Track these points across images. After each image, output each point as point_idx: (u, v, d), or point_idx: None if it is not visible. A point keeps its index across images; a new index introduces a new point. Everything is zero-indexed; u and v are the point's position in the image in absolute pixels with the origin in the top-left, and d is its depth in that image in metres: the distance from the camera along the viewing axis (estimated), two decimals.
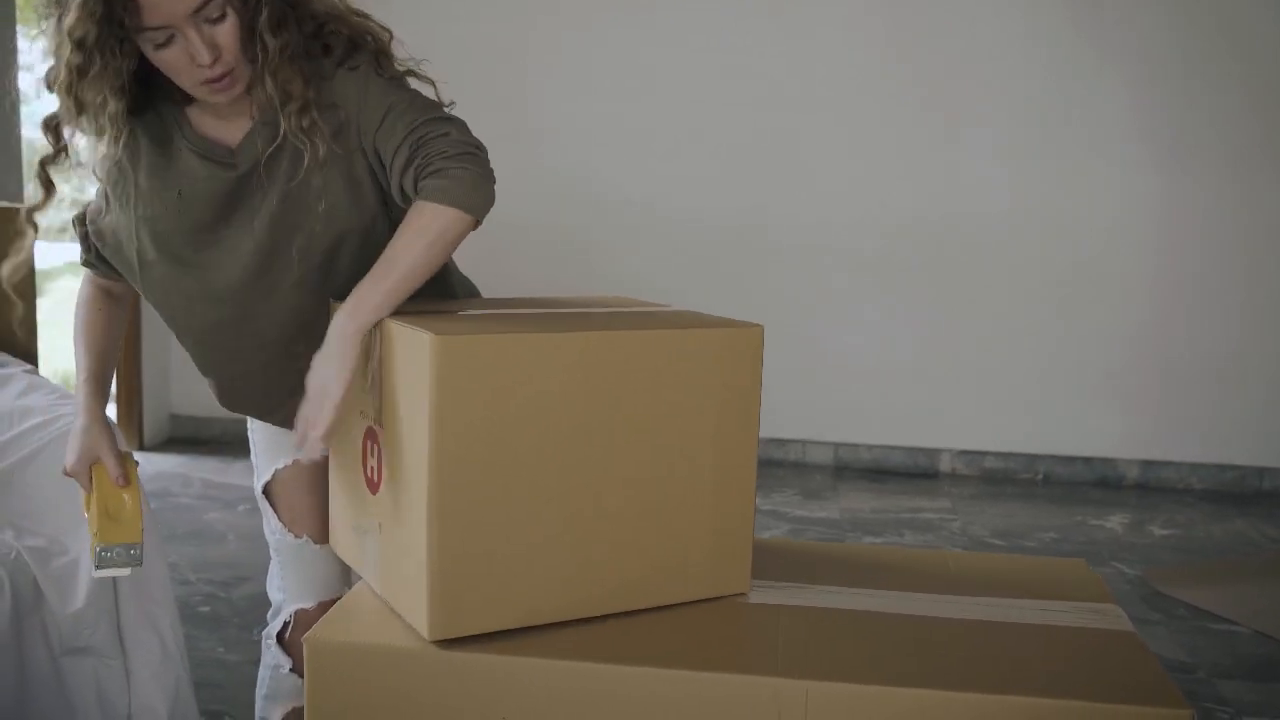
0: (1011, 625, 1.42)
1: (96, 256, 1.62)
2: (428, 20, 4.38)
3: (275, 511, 1.71)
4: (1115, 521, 3.97)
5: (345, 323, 1.35)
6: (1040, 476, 4.51)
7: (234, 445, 4.59)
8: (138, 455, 4.33)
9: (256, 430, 1.73)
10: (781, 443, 4.62)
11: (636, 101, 4.52)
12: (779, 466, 4.57)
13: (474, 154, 1.40)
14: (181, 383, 4.69)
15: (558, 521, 1.32)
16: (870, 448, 4.60)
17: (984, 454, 4.54)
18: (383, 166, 1.45)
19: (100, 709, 1.92)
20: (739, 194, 4.53)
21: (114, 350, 1.66)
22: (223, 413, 5.06)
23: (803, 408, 4.60)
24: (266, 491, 1.72)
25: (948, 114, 4.41)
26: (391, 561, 1.37)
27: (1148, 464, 4.45)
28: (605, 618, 1.37)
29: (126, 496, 1.52)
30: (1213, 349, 4.38)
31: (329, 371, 1.35)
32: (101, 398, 1.60)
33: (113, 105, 1.40)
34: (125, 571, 1.51)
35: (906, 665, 1.30)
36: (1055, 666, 1.32)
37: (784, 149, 4.48)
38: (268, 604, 2.94)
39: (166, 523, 3.56)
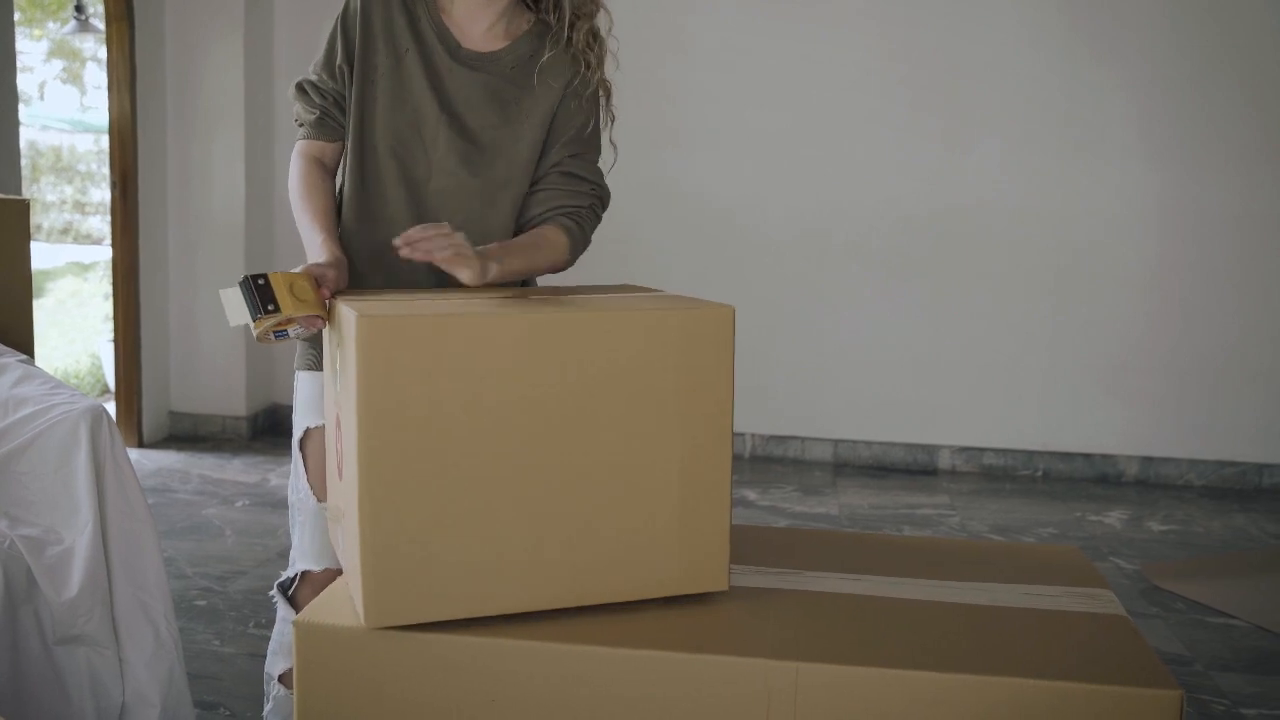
0: (1003, 609, 1.42)
1: (322, 112, 1.71)
2: None
3: (306, 469, 1.71)
4: (1114, 517, 3.97)
5: (490, 265, 1.53)
6: (1040, 473, 4.51)
7: (232, 442, 4.60)
8: (135, 453, 4.35)
9: (301, 384, 1.75)
10: (781, 439, 4.62)
11: (640, 96, 4.52)
12: (778, 463, 4.56)
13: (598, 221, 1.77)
14: (180, 380, 4.69)
15: (505, 511, 1.29)
16: (870, 444, 4.59)
17: (983, 450, 4.53)
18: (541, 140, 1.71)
19: (94, 698, 1.91)
20: (739, 188, 4.53)
21: (333, 211, 1.70)
22: (220, 410, 5.03)
23: (802, 405, 4.59)
24: (301, 447, 1.72)
25: (947, 109, 4.41)
26: (348, 547, 1.36)
27: (1147, 460, 4.44)
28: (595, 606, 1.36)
29: (309, 286, 1.44)
30: (1213, 345, 4.37)
31: (475, 265, 1.48)
32: (337, 243, 1.62)
33: None
34: (242, 301, 1.39)
35: (897, 648, 1.29)
36: (1046, 649, 1.32)
37: (782, 143, 4.47)
38: (264, 599, 2.95)
39: (165, 518, 3.56)
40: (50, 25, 10.84)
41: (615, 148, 1.80)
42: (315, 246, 1.60)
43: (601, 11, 1.75)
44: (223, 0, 4.46)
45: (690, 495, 1.36)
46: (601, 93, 1.76)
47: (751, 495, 4.09)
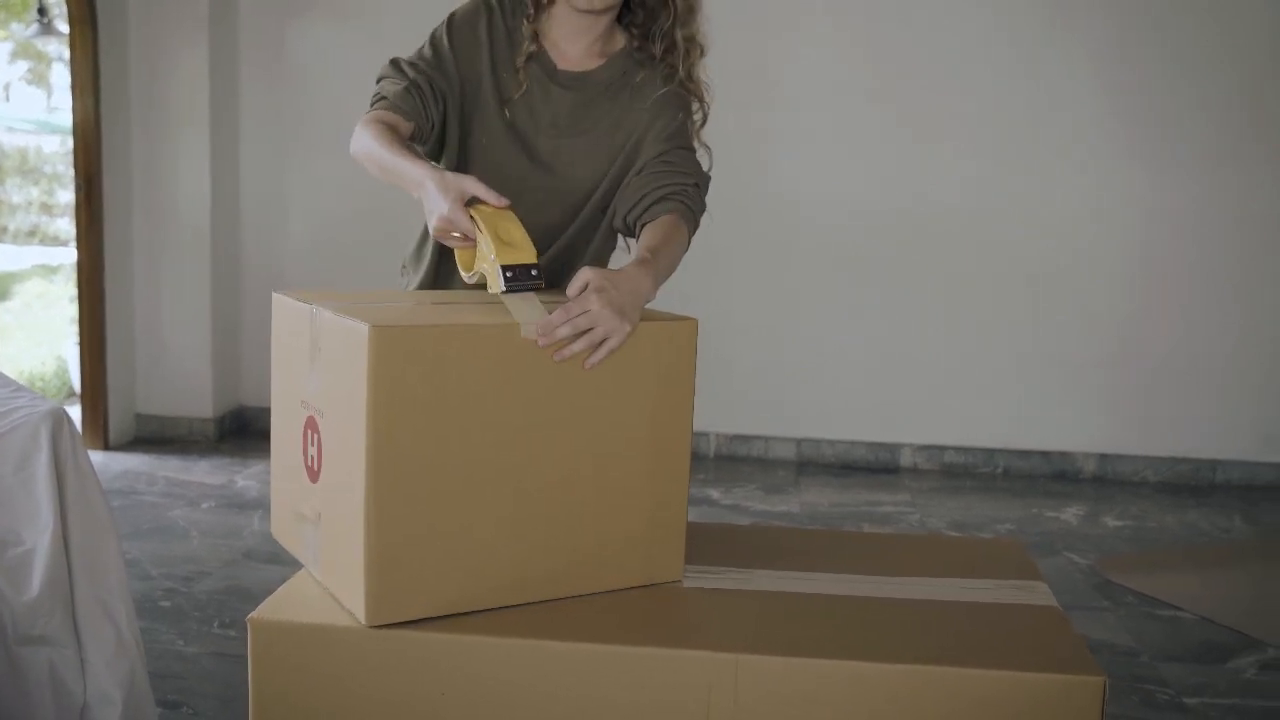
0: (940, 603, 1.47)
1: (428, 85, 1.70)
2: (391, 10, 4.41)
3: None
4: (1070, 513, 4.04)
5: (650, 289, 1.47)
6: (999, 470, 4.58)
7: (199, 444, 4.60)
8: (102, 455, 4.34)
9: None
10: (745, 439, 4.67)
11: None
12: (742, 462, 4.61)
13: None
14: (147, 382, 4.69)
15: (494, 510, 1.35)
16: (833, 443, 4.65)
17: (944, 449, 4.60)
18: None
19: (55, 697, 1.93)
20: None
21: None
22: (187, 412, 4.98)
23: (766, 404, 4.65)
24: None
25: (917, 108, 4.46)
26: (331, 549, 1.40)
27: (1104, 457, 4.52)
28: (541, 601, 1.41)
29: (512, 225, 1.44)
30: (1168, 344, 4.45)
31: (630, 313, 1.39)
32: (426, 159, 1.61)
33: None
34: (532, 294, 1.41)
35: (834, 640, 1.34)
36: (976, 639, 1.37)
37: (749, 144, 4.50)
38: (228, 599, 2.97)
39: (130, 519, 3.57)
40: (15, 27, 10.75)
41: (710, 155, 1.83)
42: (411, 163, 1.55)
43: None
44: (188, 2, 4.46)
45: (656, 493, 1.46)
46: (702, 119, 1.81)
47: (715, 494, 4.14)
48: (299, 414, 1.47)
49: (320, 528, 1.43)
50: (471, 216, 1.43)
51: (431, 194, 1.47)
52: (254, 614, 1.35)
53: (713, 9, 1.84)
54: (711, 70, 1.89)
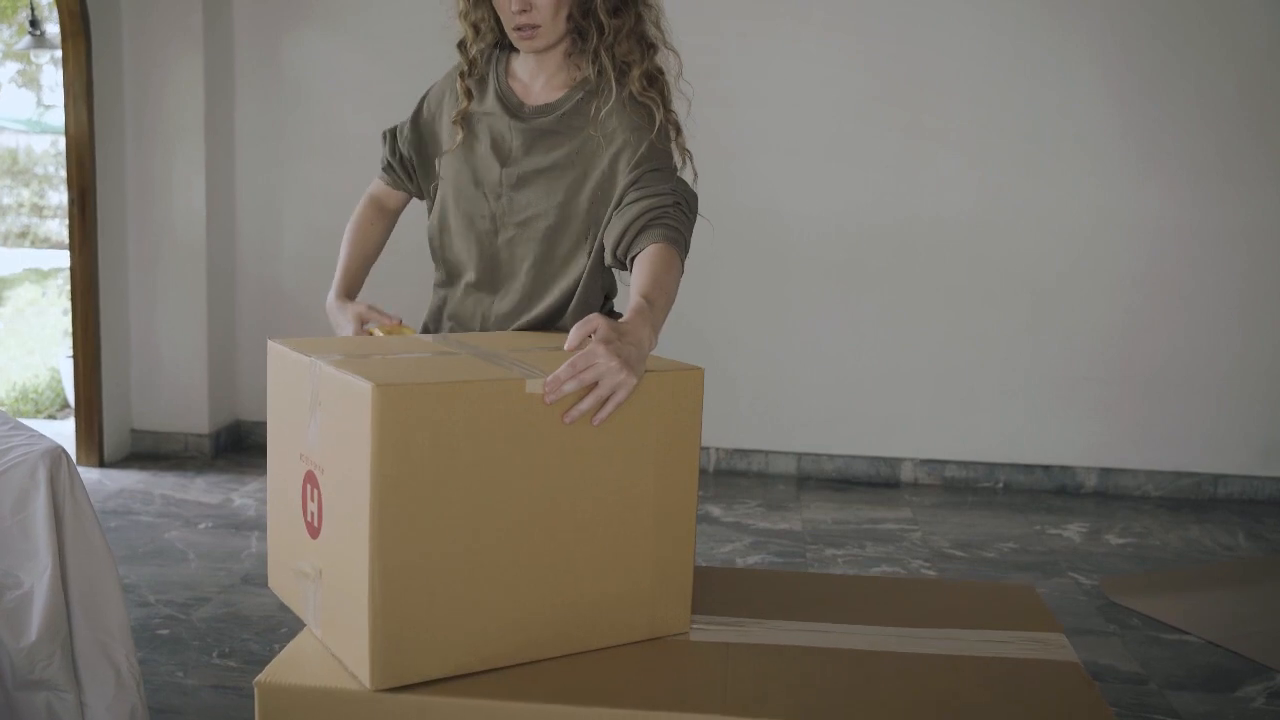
0: (956, 658, 1.45)
1: (399, 162, 1.92)
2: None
3: None
4: (1073, 530, 4.02)
5: (651, 339, 1.46)
6: (1000, 485, 4.56)
7: (195, 460, 4.57)
8: (97, 472, 4.30)
9: None
10: (745, 454, 4.64)
11: None
12: (742, 477, 4.59)
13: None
14: (142, 397, 4.65)
15: (499, 568, 1.32)
16: (833, 458, 4.63)
17: (945, 463, 4.58)
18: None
19: None
20: (701, 203, 4.53)
21: (373, 254, 1.98)
22: (183, 427, 4.94)
23: (766, 418, 4.62)
24: None
25: (909, 120, 4.43)
26: (332, 608, 1.37)
27: (1105, 472, 4.51)
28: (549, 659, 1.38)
29: (404, 331, 1.76)
30: (1168, 356, 4.44)
31: (636, 365, 1.36)
32: (349, 287, 1.91)
33: (486, 36, 1.81)
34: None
35: (850, 701, 1.32)
36: (996, 699, 1.35)
37: (741, 154, 4.48)
38: (228, 627, 2.94)
39: (126, 541, 3.54)
40: (6, 33, 10.69)
41: (691, 162, 1.87)
42: (335, 284, 1.90)
43: (662, 53, 1.81)
44: (181, 15, 4.42)
45: (662, 546, 1.43)
46: (671, 129, 1.81)
47: (716, 511, 4.11)
48: (298, 467, 1.43)
49: (321, 585, 1.40)
50: (370, 334, 1.73)
51: (336, 318, 1.84)
52: (261, 677, 1.32)
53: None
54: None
